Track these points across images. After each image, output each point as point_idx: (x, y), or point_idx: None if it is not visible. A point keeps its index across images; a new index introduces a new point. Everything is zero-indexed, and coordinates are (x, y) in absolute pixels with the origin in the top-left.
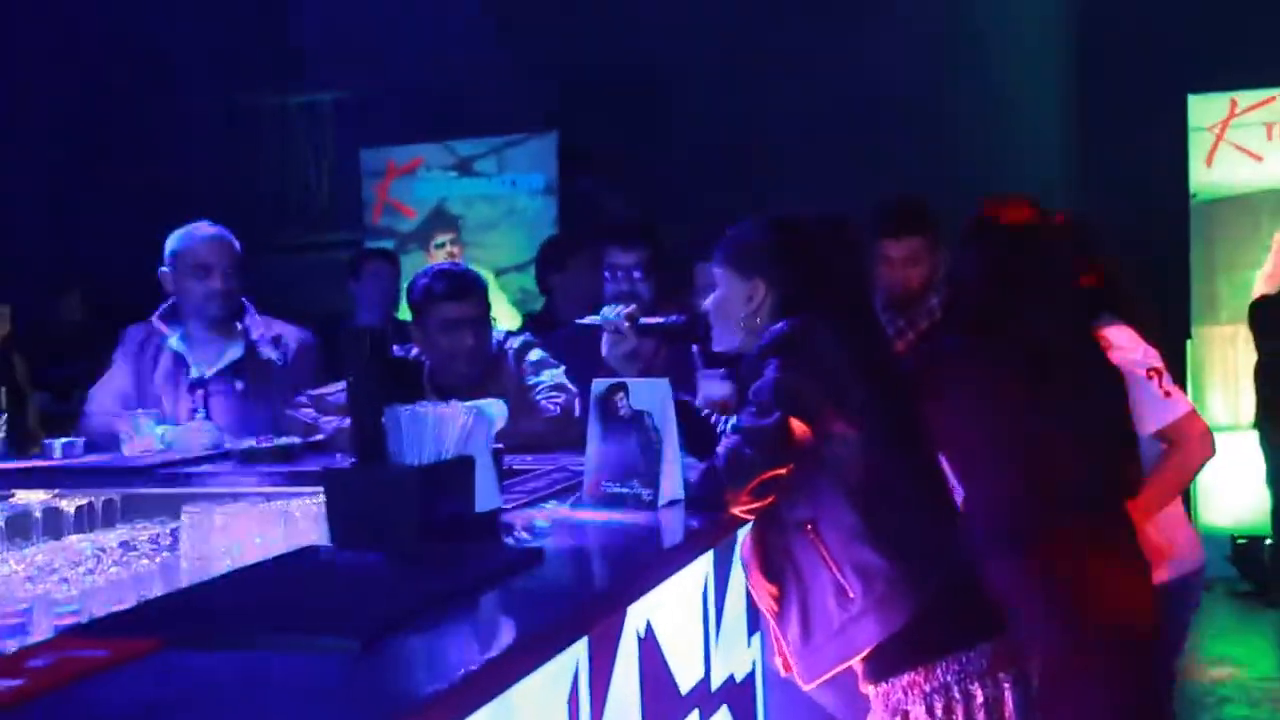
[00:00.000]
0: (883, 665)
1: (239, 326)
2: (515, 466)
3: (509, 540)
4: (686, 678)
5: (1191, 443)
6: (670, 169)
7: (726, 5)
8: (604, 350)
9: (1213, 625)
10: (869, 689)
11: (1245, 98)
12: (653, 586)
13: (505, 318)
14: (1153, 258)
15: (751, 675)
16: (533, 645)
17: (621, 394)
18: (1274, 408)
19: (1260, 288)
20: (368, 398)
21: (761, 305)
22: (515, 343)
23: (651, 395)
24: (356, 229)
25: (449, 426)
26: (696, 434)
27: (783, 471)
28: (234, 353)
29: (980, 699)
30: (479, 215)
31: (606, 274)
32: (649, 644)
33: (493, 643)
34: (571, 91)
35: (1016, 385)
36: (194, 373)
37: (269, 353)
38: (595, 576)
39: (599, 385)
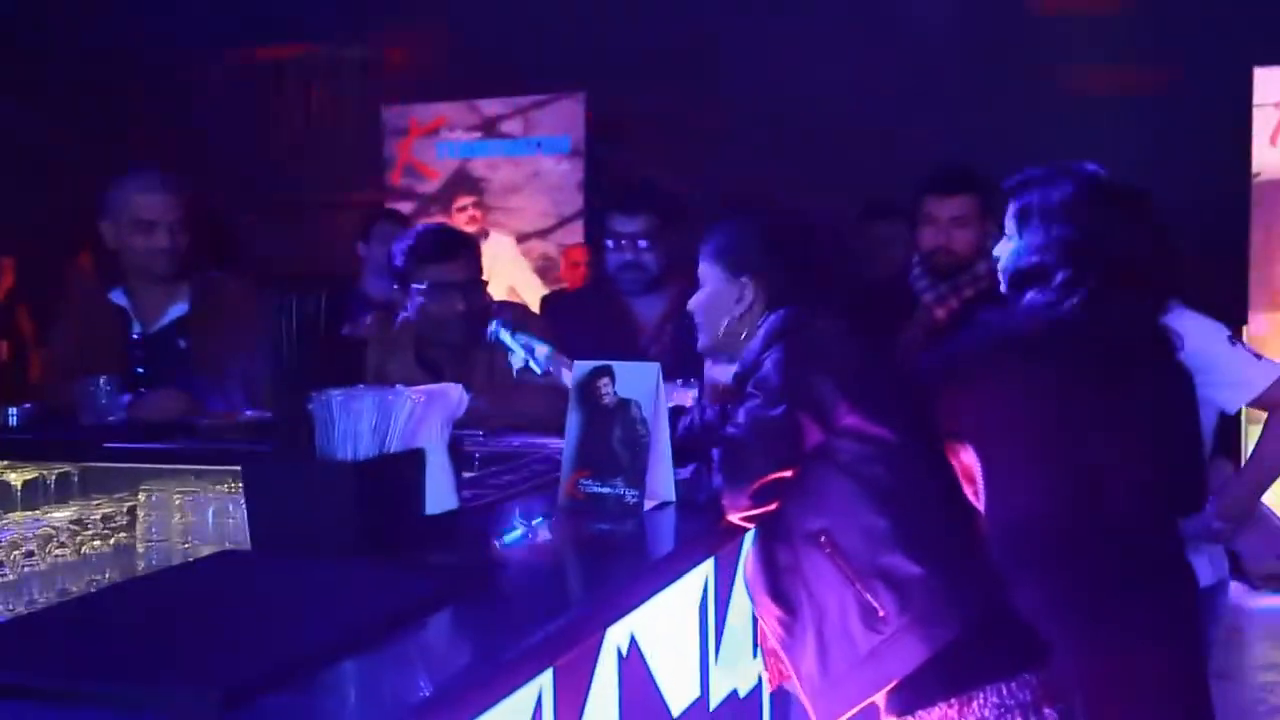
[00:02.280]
0: (911, 695)
1: (187, 282)
2: (499, 451)
3: (463, 549)
4: (679, 698)
5: None
6: (704, 138)
7: None
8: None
9: (1261, 630)
10: None
11: None
12: (634, 606)
13: (528, 286)
14: (1210, 239)
15: (758, 688)
16: (466, 691)
17: (606, 379)
18: None
19: None
20: (292, 378)
21: (752, 305)
22: (510, 313)
23: (640, 381)
24: (377, 189)
25: (392, 414)
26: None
27: (788, 474)
28: (178, 309)
29: None
30: (503, 178)
31: (609, 242)
32: (633, 663)
33: (410, 693)
34: (601, 51)
35: (1081, 385)
36: (136, 329)
37: (215, 310)
38: (563, 596)
39: (580, 368)
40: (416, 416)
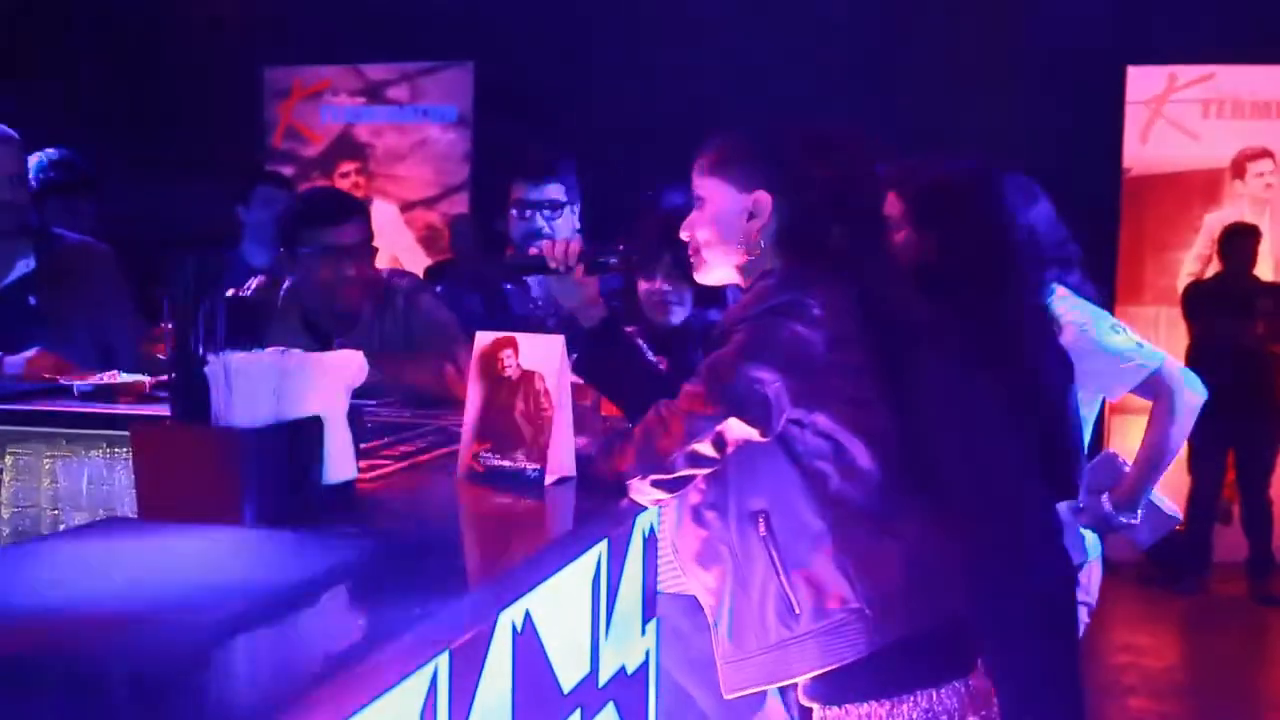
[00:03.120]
0: (837, 687)
1: (31, 240)
2: (388, 423)
3: (361, 522)
4: (570, 675)
5: (1179, 391)
6: (594, 112)
7: None
8: (560, 297)
9: (1118, 612)
10: (812, 706)
11: (1184, 73)
12: (533, 587)
13: (412, 256)
14: (1080, 233)
15: (644, 665)
16: (364, 673)
17: (509, 350)
18: None
19: (1189, 269)
20: (189, 339)
21: (766, 224)
22: (405, 282)
23: (544, 353)
24: (256, 151)
25: (292, 380)
26: (639, 393)
27: (700, 472)
28: (25, 265)
29: None
30: (387, 145)
31: (514, 212)
32: (527, 639)
33: (304, 674)
34: (490, 20)
35: (969, 370)
36: None
37: (65, 268)
38: (462, 577)
39: (482, 339)
40: (316, 383)
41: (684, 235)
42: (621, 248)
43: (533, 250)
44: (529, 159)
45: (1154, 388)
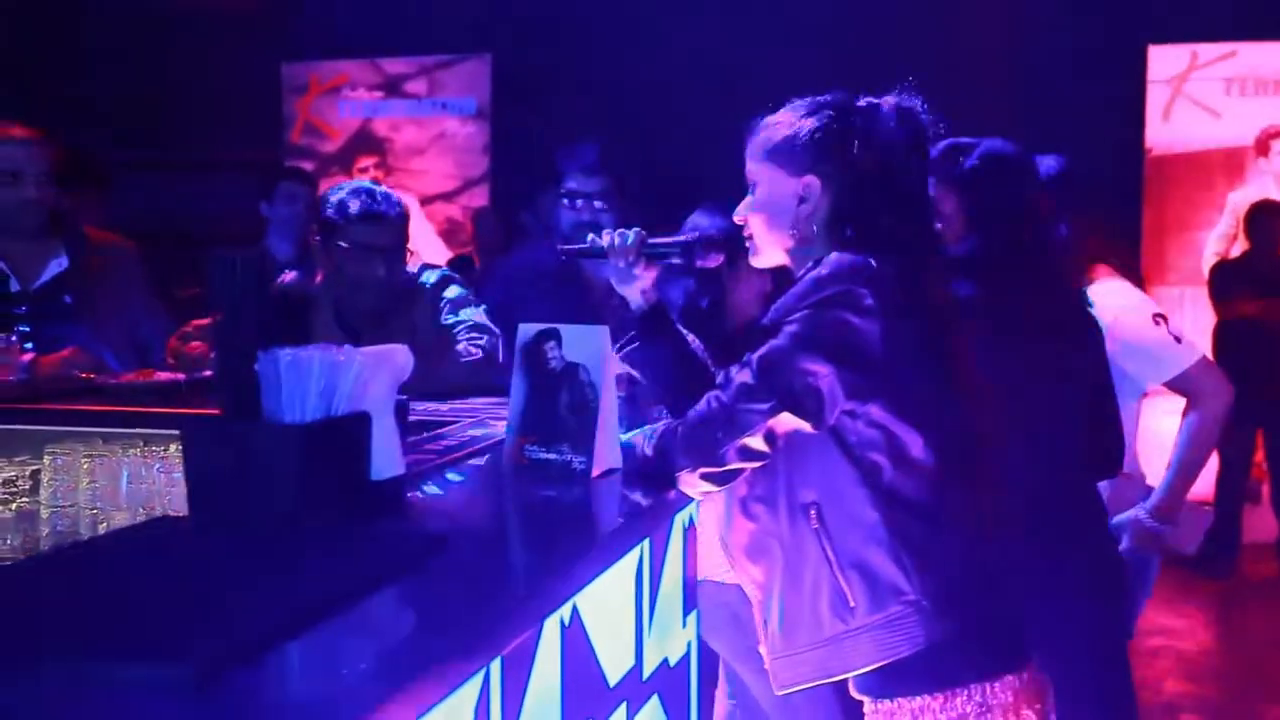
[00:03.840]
0: (890, 680)
1: (61, 238)
2: (426, 418)
3: (408, 519)
4: (616, 668)
5: (1208, 395)
6: (612, 103)
7: None
8: (615, 282)
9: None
10: (864, 698)
11: (1206, 51)
12: (583, 585)
13: (433, 249)
14: (1103, 213)
15: (686, 657)
16: (429, 679)
17: (552, 342)
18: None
19: (1213, 248)
20: (237, 337)
21: (817, 207)
22: (431, 277)
23: (588, 344)
24: (275, 147)
25: (340, 376)
26: (686, 382)
27: (750, 465)
28: (58, 264)
29: None
30: (406, 139)
31: (565, 201)
32: (574, 634)
33: (358, 686)
34: (507, 12)
35: (1009, 353)
36: (15, 286)
37: (98, 266)
38: (515, 580)
39: (525, 331)
40: (364, 378)
41: (738, 219)
42: (684, 238)
43: (593, 239)
44: (581, 150)
45: (1185, 383)
